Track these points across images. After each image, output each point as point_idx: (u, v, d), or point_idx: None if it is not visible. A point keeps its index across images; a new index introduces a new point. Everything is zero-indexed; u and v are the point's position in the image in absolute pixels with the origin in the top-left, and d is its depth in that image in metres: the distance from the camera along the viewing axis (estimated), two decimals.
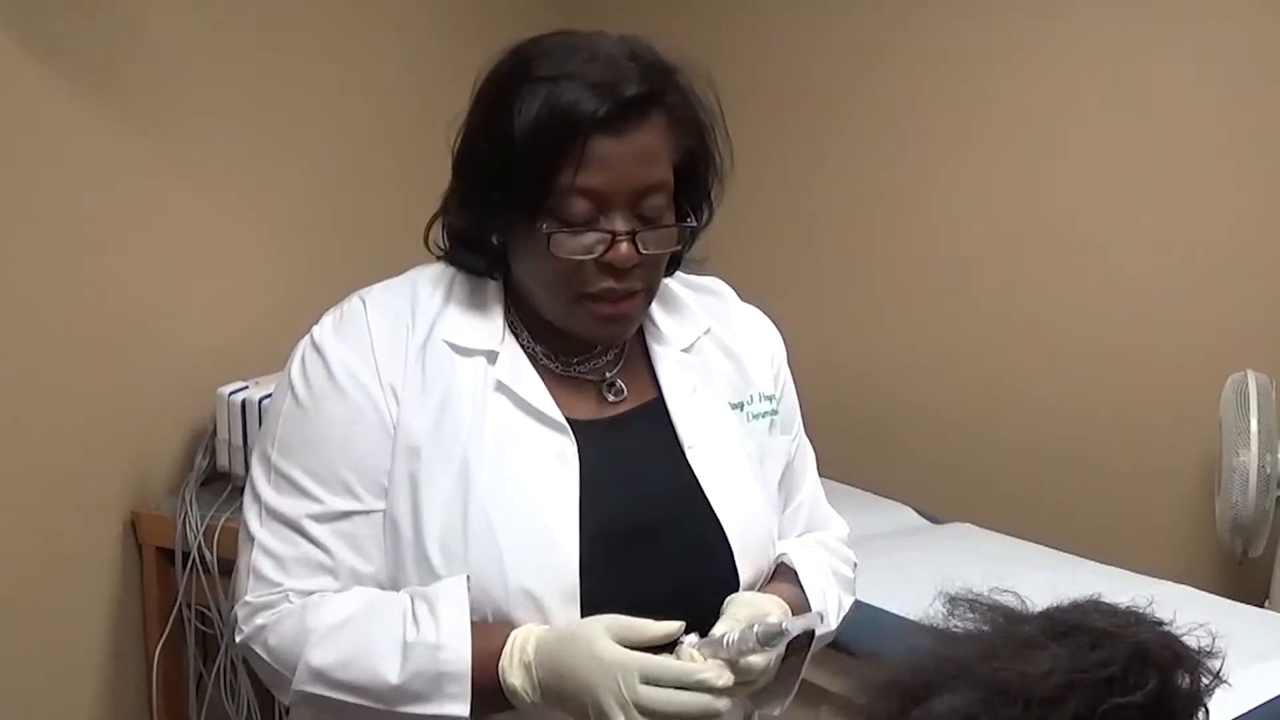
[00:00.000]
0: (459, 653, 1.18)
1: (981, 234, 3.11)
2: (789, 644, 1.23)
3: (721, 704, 1.15)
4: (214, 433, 2.40)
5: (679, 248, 1.28)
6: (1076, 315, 2.99)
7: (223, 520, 2.30)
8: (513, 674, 1.17)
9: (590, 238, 1.20)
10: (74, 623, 2.29)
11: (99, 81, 2.22)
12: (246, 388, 2.37)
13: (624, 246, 1.20)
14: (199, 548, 2.30)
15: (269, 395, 2.32)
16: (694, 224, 1.29)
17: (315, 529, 1.25)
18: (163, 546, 2.35)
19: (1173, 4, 2.82)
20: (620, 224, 1.20)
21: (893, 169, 3.21)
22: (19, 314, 2.12)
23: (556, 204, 1.19)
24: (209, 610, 2.34)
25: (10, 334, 2.11)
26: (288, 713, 2.35)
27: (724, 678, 1.15)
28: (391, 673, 1.19)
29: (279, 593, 1.25)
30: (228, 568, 2.29)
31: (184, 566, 2.32)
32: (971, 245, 3.12)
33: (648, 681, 1.13)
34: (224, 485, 2.40)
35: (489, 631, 1.20)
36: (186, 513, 2.32)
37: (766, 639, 1.16)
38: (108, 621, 2.35)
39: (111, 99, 2.25)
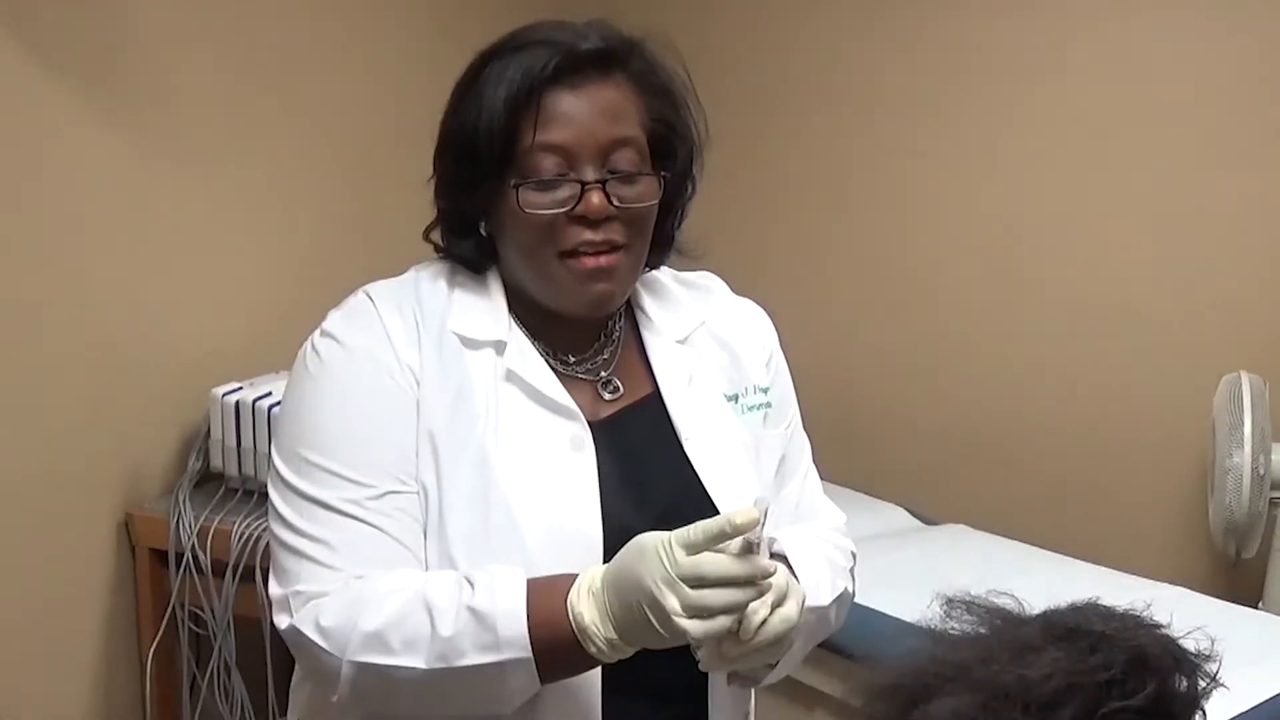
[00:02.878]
0: (513, 587, 1.14)
1: (975, 236, 3.11)
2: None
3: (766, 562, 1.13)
4: (208, 434, 2.39)
5: (655, 201, 1.28)
6: (1071, 316, 2.99)
7: (216, 521, 2.30)
8: (580, 604, 1.13)
9: (561, 191, 1.22)
10: (67, 624, 2.28)
11: (93, 81, 2.22)
12: (240, 389, 2.36)
13: (595, 197, 1.21)
14: (192, 549, 2.29)
15: (263, 396, 2.32)
16: (666, 173, 1.29)
17: (362, 511, 1.22)
18: (156, 548, 2.34)
19: (1169, 6, 2.82)
20: (590, 175, 1.22)
21: (888, 169, 3.21)
22: (12, 314, 2.11)
23: (524, 164, 1.22)
24: (202, 612, 2.33)
25: (3, 335, 2.10)
26: (282, 714, 2.35)
27: (750, 515, 1.10)
28: (446, 625, 1.15)
29: (339, 579, 1.20)
30: (221, 569, 2.29)
31: (177, 568, 2.31)
32: (964, 247, 3.13)
33: (687, 547, 1.10)
34: (217, 486, 2.40)
35: (550, 581, 1.17)
36: (180, 514, 2.31)
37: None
38: (101, 623, 2.34)
39: (105, 99, 2.25)
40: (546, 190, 1.22)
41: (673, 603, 1.09)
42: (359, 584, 1.20)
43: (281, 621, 1.23)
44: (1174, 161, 2.83)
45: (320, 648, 1.19)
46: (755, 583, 1.12)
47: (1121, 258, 2.92)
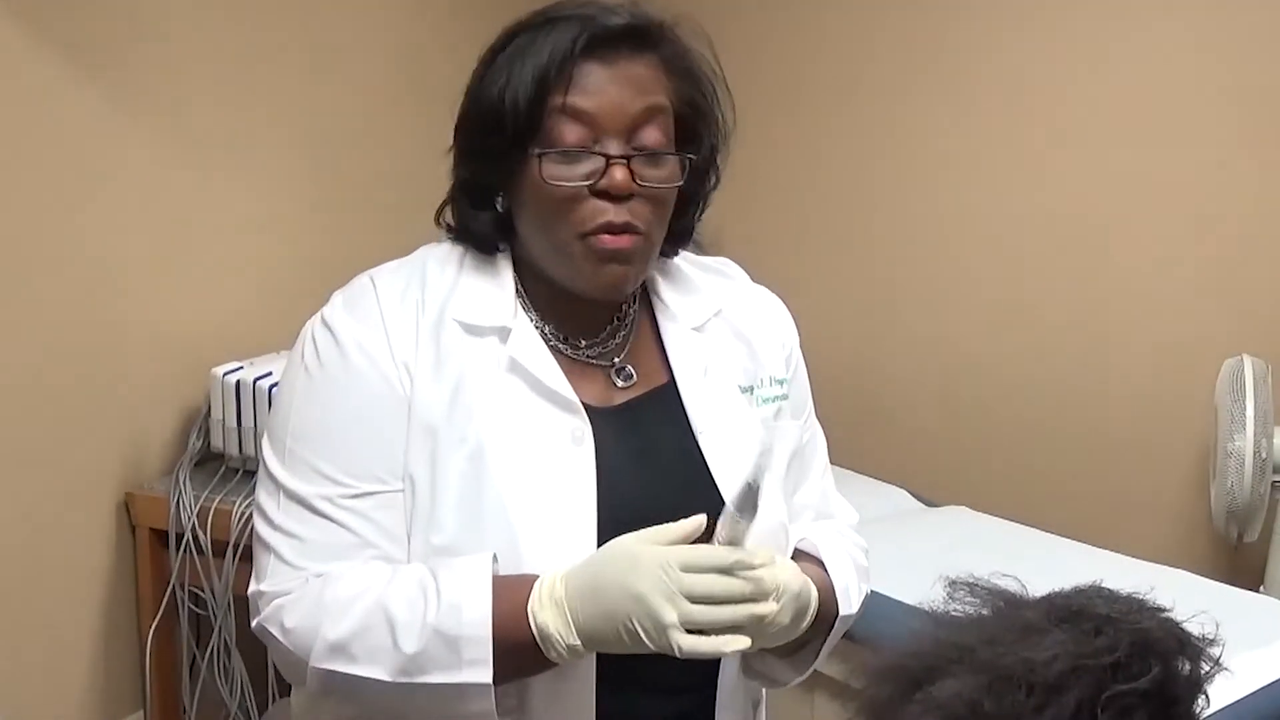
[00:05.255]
0: (478, 614, 1.14)
1: (978, 219, 3.10)
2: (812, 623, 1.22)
3: (766, 575, 1.14)
4: (208, 413, 2.39)
5: (679, 184, 1.26)
6: (1073, 300, 2.99)
7: (216, 501, 2.30)
8: (543, 613, 1.14)
9: (584, 164, 1.20)
10: (67, 604, 2.28)
11: (95, 64, 2.21)
12: (241, 368, 2.36)
13: (619, 172, 1.20)
14: (193, 529, 2.29)
15: (263, 375, 2.32)
16: (692, 155, 1.27)
17: (336, 510, 1.22)
18: (156, 528, 2.34)
19: (1180, 5, 2.81)
20: (614, 149, 1.21)
21: (894, 157, 3.20)
22: (11, 296, 2.10)
23: (548, 131, 1.20)
24: (202, 592, 2.33)
25: (4, 314, 2.10)
26: (282, 695, 2.35)
27: (761, 555, 1.14)
28: (409, 641, 1.15)
29: (299, 578, 1.22)
30: (221, 549, 2.29)
31: (177, 548, 2.31)
32: (968, 230, 3.12)
33: (689, 570, 1.11)
34: (217, 466, 2.39)
35: (511, 586, 1.17)
36: (180, 494, 2.31)
37: (741, 504, 1.14)
38: (101, 603, 2.34)
39: (106, 81, 2.24)
40: (570, 162, 1.20)
41: (672, 616, 1.10)
42: (320, 585, 1.20)
43: (253, 619, 1.25)
44: (1176, 146, 2.83)
45: (287, 649, 1.21)
46: (754, 598, 1.13)
47: (1125, 243, 2.91)
